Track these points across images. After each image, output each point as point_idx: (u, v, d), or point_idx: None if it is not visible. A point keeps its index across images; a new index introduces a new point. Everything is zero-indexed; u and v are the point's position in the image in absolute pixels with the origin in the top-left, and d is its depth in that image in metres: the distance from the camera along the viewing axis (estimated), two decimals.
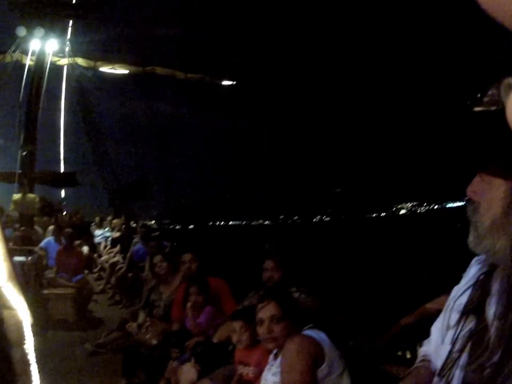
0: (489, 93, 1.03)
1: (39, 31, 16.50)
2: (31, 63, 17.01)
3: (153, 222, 16.08)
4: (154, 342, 5.51)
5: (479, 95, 1.05)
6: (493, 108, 1.01)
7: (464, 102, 1.10)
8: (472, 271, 1.31)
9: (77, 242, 10.53)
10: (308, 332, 3.02)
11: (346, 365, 3.01)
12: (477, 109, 1.04)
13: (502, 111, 0.99)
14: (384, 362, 3.63)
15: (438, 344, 1.34)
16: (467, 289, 1.28)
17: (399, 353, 3.73)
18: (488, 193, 1.13)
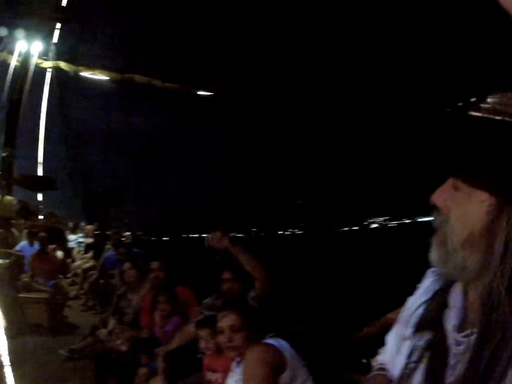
0: (490, 100, 1.00)
1: (26, 32, 16.54)
2: (17, 64, 17.02)
3: (128, 232, 15.89)
4: (124, 348, 5.54)
5: (474, 100, 1.02)
6: (495, 117, 0.98)
7: (454, 105, 1.04)
8: (428, 282, 1.28)
9: (52, 246, 10.52)
10: (269, 341, 3.07)
11: (311, 372, 3.09)
12: (474, 114, 1.01)
13: (504, 122, 0.97)
14: (349, 370, 3.72)
15: (393, 353, 1.31)
16: (423, 300, 1.24)
17: (364, 361, 3.66)
18: (465, 205, 1.04)
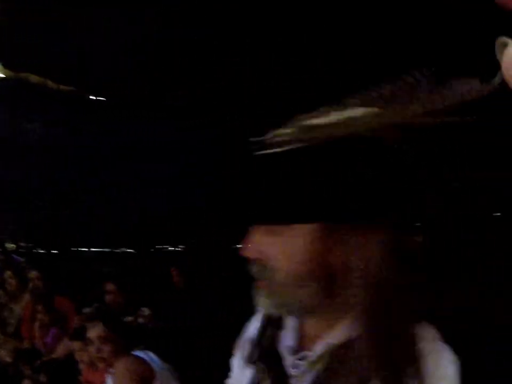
0: (269, 135, 0.95)
1: None
2: None
3: (12, 242, 15.10)
4: (8, 359, 5.50)
5: (257, 139, 0.95)
6: (278, 150, 0.93)
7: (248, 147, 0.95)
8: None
9: None
10: (137, 353, 3.10)
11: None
12: (260, 152, 0.95)
13: (287, 152, 0.92)
14: None
15: (238, 378, 1.27)
16: (258, 324, 1.22)
17: None
18: (287, 243, 1.00)
